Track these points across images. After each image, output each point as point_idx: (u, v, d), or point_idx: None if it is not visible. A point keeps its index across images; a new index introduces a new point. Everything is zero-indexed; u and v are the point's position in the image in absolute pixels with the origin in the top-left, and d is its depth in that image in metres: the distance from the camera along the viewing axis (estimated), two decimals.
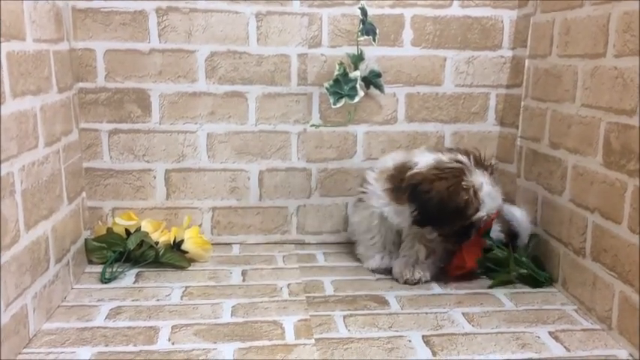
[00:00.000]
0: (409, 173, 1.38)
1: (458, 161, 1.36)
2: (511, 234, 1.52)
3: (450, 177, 1.34)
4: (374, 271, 1.52)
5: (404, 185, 1.38)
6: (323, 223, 1.73)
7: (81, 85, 1.58)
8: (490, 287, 1.42)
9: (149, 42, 1.58)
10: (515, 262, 1.45)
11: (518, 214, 1.54)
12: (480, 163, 1.38)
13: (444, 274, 1.47)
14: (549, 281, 1.44)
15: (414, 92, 1.69)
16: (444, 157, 1.38)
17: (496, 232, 1.50)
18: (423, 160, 1.39)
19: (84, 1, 1.54)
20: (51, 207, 1.28)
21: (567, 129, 1.39)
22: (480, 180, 1.34)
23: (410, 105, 1.70)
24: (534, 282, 1.43)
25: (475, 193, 1.33)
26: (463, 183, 1.33)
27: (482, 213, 1.34)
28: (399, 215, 1.42)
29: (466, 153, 1.39)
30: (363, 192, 1.51)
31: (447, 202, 1.32)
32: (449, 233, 1.39)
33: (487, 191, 1.34)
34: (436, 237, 1.42)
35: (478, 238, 1.43)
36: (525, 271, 1.44)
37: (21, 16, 1.15)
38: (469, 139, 1.73)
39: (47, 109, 1.27)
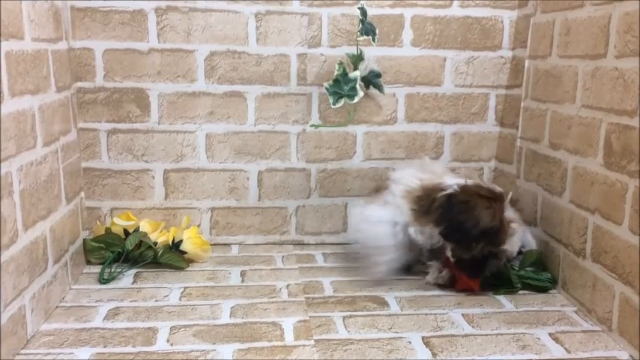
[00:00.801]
0: (442, 194, 1.36)
1: (497, 190, 1.38)
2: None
3: (492, 197, 1.34)
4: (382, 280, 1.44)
5: (436, 205, 1.35)
6: (322, 223, 1.73)
7: (79, 84, 1.57)
8: (494, 294, 1.40)
9: (148, 41, 1.58)
10: (517, 276, 1.43)
11: (529, 238, 1.54)
12: (512, 203, 1.39)
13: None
14: (552, 282, 1.43)
15: (414, 92, 1.69)
16: (480, 183, 1.41)
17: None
18: (454, 182, 1.38)
19: (83, 1, 1.53)
20: (49, 207, 1.27)
21: (567, 130, 1.39)
22: (513, 216, 1.35)
23: (410, 105, 1.69)
24: (539, 288, 1.42)
25: (509, 222, 1.33)
26: (497, 206, 1.33)
27: (507, 247, 1.34)
28: (421, 235, 1.40)
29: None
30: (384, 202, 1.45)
31: (483, 218, 1.30)
32: (467, 257, 1.34)
33: (517, 229, 1.35)
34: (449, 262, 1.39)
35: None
36: (528, 281, 1.43)
37: (19, 16, 1.15)
38: (469, 140, 1.73)
39: (46, 109, 1.27)
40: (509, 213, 1.35)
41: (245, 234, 1.71)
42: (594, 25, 1.29)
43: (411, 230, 1.40)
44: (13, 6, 1.12)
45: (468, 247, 1.32)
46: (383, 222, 1.41)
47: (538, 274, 1.44)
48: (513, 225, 1.34)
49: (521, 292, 1.41)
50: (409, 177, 1.45)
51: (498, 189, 1.38)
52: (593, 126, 1.28)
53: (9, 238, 1.06)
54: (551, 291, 1.42)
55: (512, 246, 1.35)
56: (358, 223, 1.50)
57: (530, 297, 1.38)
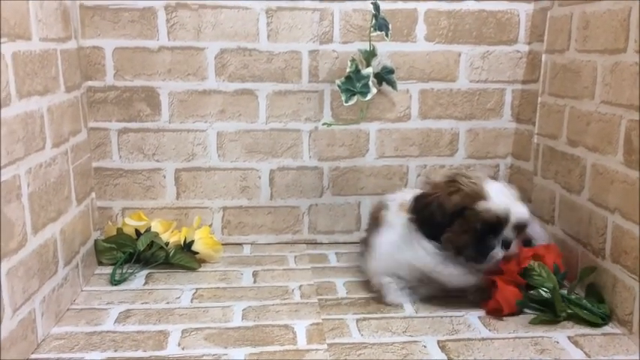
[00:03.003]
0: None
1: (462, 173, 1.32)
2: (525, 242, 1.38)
3: (452, 179, 1.29)
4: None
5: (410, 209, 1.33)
6: (335, 222, 1.71)
7: (89, 83, 1.56)
8: (531, 323, 1.24)
9: (158, 39, 1.56)
10: (565, 300, 1.26)
11: (537, 229, 1.50)
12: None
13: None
14: (607, 319, 1.23)
15: (428, 88, 1.66)
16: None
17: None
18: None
19: None
20: (59, 209, 1.26)
21: (586, 126, 1.35)
22: (485, 178, 1.28)
23: (423, 101, 1.66)
24: (589, 323, 1.22)
25: (477, 184, 1.26)
26: (462, 183, 1.26)
27: (490, 206, 1.23)
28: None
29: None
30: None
31: (446, 203, 1.25)
32: (462, 245, 1.25)
33: (494, 186, 1.26)
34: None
35: (513, 273, 1.27)
36: (576, 310, 1.24)
37: (26, 16, 1.13)
38: (484, 136, 1.70)
39: (54, 110, 1.25)
40: (483, 178, 1.28)
41: (257, 233, 1.69)
42: (614, 18, 1.25)
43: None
44: (20, 6, 1.10)
45: (450, 236, 1.26)
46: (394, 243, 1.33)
47: (593, 303, 1.25)
48: (485, 184, 1.25)
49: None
50: (402, 195, 1.43)
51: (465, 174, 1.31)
52: (612, 123, 1.25)
53: (18, 242, 1.05)
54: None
55: (496, 207, 1.23)
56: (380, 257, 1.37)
57: None
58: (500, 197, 1.25)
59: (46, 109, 1.21)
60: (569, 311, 1.24)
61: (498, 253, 1.25)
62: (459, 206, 1.25)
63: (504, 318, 1.25)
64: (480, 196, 1.24)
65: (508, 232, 1.25)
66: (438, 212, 1.26)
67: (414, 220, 1.30)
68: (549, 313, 1.25)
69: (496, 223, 1.24)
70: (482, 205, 1.23)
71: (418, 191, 1.37)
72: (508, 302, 1.25)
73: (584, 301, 1.26)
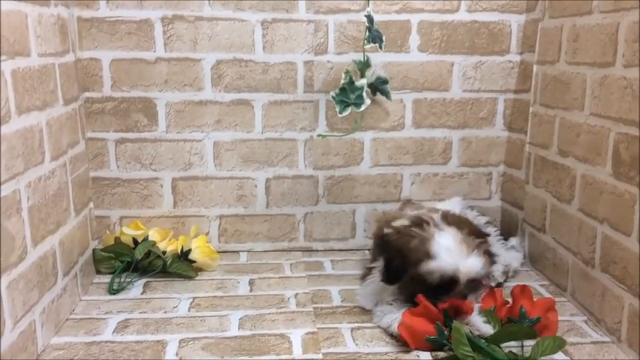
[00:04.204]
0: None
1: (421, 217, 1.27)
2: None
3: (402, 230, 1.25)
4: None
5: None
6: (330, 230, 1.73)
7: (87, 94, 1.58)
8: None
9: (155, 51, 1.58)
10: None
11: (512, 253, 1.52)
12: (453, 223, 1.24)
13: None
14: None
15: (422, 98, 1.68)
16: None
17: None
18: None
19: (89, 11, 1.54)
20: (58, 221, 1.28)
21: (576, 137, 1.38)
22: (439, 233, 1.21)
23: (417, 111, 1.69)
24: None
25: (426, 239, 1.20)
26: (411, 235, 1.22)
27: (434, 268, 1.17)
28: None
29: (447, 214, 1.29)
30: None
31: (391, 246, 1.24)
32: (408, 290, 1.22)
33: (443, 244, 1.19)
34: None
35: (429, 308, 1.17)
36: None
37: (25, 32, 1.15)
38: (477, 145, 1.72)
39: (53, 123, 1.27)
40: (436, 231, 1.21)
41: (253, 241, 1.71)
42: (603, 32, 1.28)
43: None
44: (19, 23, 1.12)
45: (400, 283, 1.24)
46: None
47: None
48: (433, 242, 1.19)
49: None
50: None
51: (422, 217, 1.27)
52: (601, 135, 1.27)
53: (18, 256, 1.07)
54: (560, 299, 1.41)
55: (440, 265, 1.17)
56: None
57: None
58: (448, 255, 1.18)
59: (45, 123, 1.23)
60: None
61: None
62: (412, 259, 1.20)
63: None
64: (424, 254, 1.18)
65: (460, 288, 1.19)
66: (397, 258, 1.22)
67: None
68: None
69: (442, 285, 1.18)
70: (425, 267, 1.18)
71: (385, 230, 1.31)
72: (413, 337, 1.16)
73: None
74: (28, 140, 1.13)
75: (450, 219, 1.26)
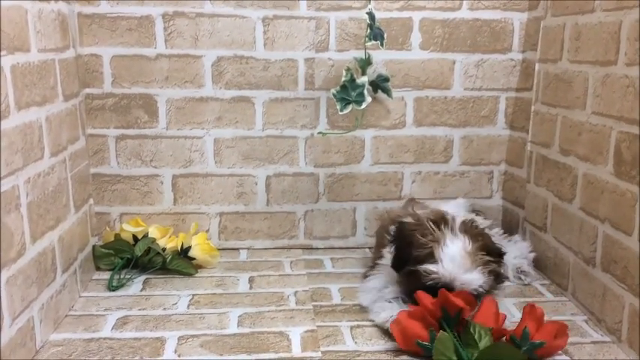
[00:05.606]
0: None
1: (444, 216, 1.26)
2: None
3: (420, 223, 1.25)
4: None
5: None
6: (331, 227, 1.73)
7: (87, 91, 1.58)
8: None
9: (155, 47, 1.58)
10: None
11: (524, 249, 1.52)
12: (469, 233, 1.22)
13: None
14: None
15: (423, 96, 1.68)
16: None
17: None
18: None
19: (90, 7, 1.53)
20: (57, 217, 1.28)
21: (578, 136, 1.37)
22: (449, 239, 1.19)
23: (418, 109, 1.68)
24: None
25: (436, 240, 1.19)
26: (426, 231, 1.21)
27: (434, 270, 1.17)
28: None
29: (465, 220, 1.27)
30: None
31: (405, 234, 1.24)
32: (409, 291, 1.22)
33: (449, 251, 1.17)
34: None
35: (426, 310, 1.15)
36: None
37: (25, 28, 1.15)
38: (478, 143, 1.72)
39: (53, 119, 1.27)
40: (447, 236, 1.20)
41: (253, 239, 1.71)
42: (605, 31, 1.27)
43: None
44: (19, 18, 1.12)
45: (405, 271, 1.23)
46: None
47: None
48: (441, 247, 1.18)
49: (527, 297, 1.40)
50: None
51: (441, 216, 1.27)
52: (603, 134, 1.27)
53: (17, 252, 1.06)
54: (561, 299, 1.40)
55: (443, 270, 1.16)
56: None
57: (540, 305, 1.35)
58: (450, 264, 1.17)
59: (45, 118, 1.22)
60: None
61: None
62: (415, 254, 1.20)
63: None
64: (429, 254, 1.19)
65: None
66: (406, 248, 1.23)
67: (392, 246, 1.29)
68: None
69: (436, 288, 1.16)
70: (424, 266, 1.18)
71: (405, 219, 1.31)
72: (405, 337, 1.13)
73: None
74: (27, 136, 1.13)
75: (467, 228, 1.23)
